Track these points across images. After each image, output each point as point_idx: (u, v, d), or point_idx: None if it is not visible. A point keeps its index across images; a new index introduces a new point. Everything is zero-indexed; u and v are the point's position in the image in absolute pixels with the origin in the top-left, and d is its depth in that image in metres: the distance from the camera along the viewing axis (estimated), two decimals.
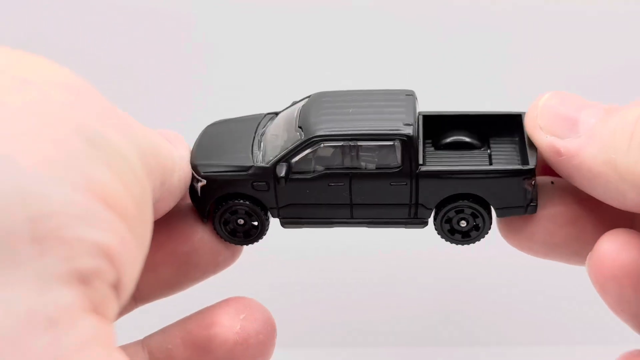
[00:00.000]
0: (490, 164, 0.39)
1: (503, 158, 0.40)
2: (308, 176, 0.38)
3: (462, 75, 0.71)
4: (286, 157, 0.37)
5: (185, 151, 0.38)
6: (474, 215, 0.38)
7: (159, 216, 0.36)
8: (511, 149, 0.40)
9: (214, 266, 0.39)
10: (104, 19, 0.72)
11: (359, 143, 0.37)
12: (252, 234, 0.40)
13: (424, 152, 0.38)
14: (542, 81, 0.68)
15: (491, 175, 0.38)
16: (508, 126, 0.40)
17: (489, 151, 0.40)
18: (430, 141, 0.41)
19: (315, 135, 0.37)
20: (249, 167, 0.38)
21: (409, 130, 0.36)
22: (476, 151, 0.40)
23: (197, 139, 0.40)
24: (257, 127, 0.40)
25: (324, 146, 0.37)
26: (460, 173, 0.38)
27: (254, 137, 0.39)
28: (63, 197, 0.25)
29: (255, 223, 0.39)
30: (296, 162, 0.38)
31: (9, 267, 0.23)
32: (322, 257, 0.73)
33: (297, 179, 0.38)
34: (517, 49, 0.71)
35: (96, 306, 0.25)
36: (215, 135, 0.40)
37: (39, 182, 0.24)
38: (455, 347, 0.73)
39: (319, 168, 0.37)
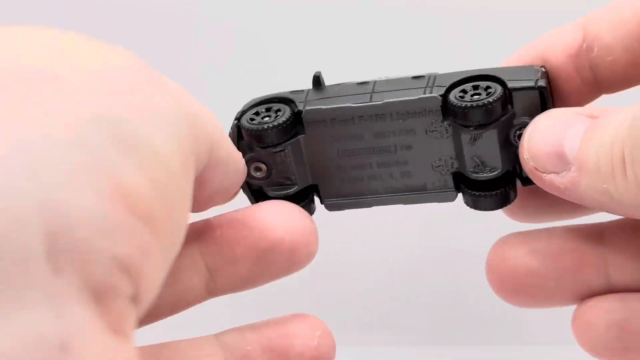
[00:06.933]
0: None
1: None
2: None
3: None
4: None
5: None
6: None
7: (215, 191, 0.35)
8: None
9: (289, 265, 0.39)
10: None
11: None
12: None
13: None
14: None
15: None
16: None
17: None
18: None
19: None
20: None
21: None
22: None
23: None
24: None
25: None
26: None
27: None
28: (85, 206, 0.23)
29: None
30: None
31: (19, 288, 0.22)
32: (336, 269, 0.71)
33: None
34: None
35: (111, 324, 0.24)
36: None
37: (60, 190, 0.22)
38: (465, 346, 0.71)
39: None
